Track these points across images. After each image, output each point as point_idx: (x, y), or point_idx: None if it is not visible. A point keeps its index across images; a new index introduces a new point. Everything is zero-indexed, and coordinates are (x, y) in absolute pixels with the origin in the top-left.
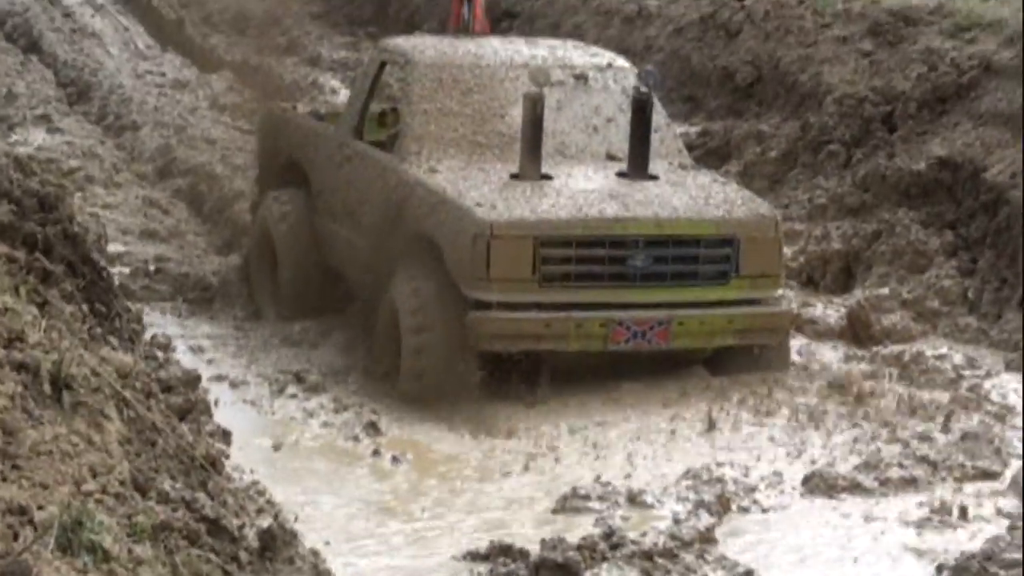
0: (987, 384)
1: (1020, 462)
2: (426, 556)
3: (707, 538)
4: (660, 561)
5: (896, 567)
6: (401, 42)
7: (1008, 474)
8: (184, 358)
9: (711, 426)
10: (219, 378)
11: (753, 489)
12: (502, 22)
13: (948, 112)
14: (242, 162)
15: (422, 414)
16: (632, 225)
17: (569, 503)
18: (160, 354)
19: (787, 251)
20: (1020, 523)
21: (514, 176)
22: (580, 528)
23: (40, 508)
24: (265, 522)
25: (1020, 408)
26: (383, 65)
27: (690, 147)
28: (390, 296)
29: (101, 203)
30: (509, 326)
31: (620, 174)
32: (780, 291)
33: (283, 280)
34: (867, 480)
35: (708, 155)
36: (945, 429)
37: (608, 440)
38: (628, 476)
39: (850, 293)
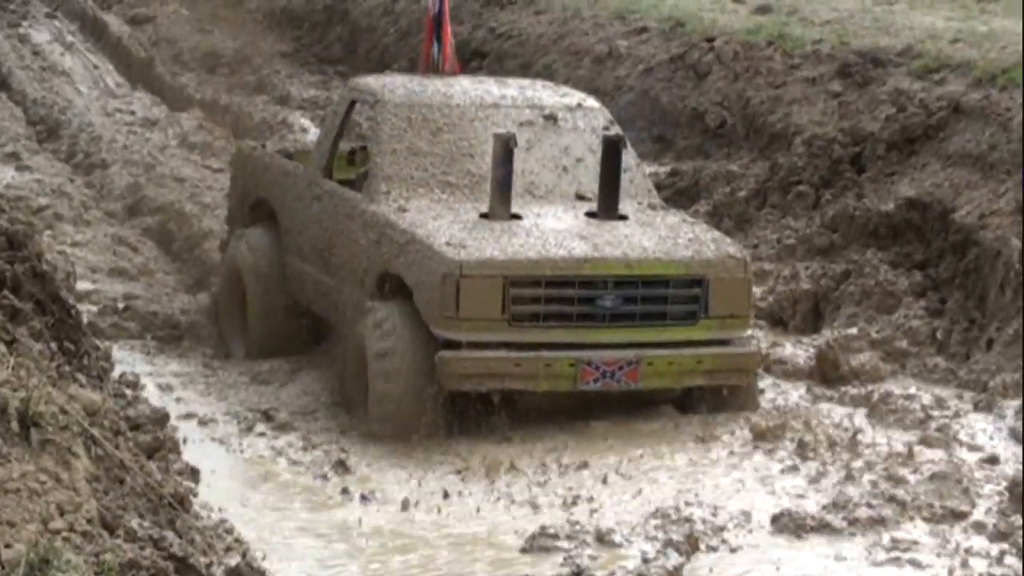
0: (955, 424)
1: (989, 503)
2: None
3: None
4: None
5: None
6: (371, 81)
7: (977, 513)
8: (153, 396)
9: (679, 466)
10: (188, 416)
11: (722, 528)
12: (472, 62)
13: (917, 153)
14: (211, 200)
15: (391, 453)
16: (601, 265)
17: (538, 542)
18: (128, 392)
19: (756, 291)
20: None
21: (484, 216)
22: (549, 567)
23: (7, 546)
24: (233, 560)
25: (988, 447)
26: (353, 104)
27: (659, 187)
28: (359, 335)
29: (70, 241)
30: (478, 366)
31: (590, 214)
32: (749, 331)
33: (252, 318)
34: (836, 520)
35: (677, 195)
36: (913, 469)
37: (577, 479)
38: (596, 515)
39: (819, 333)
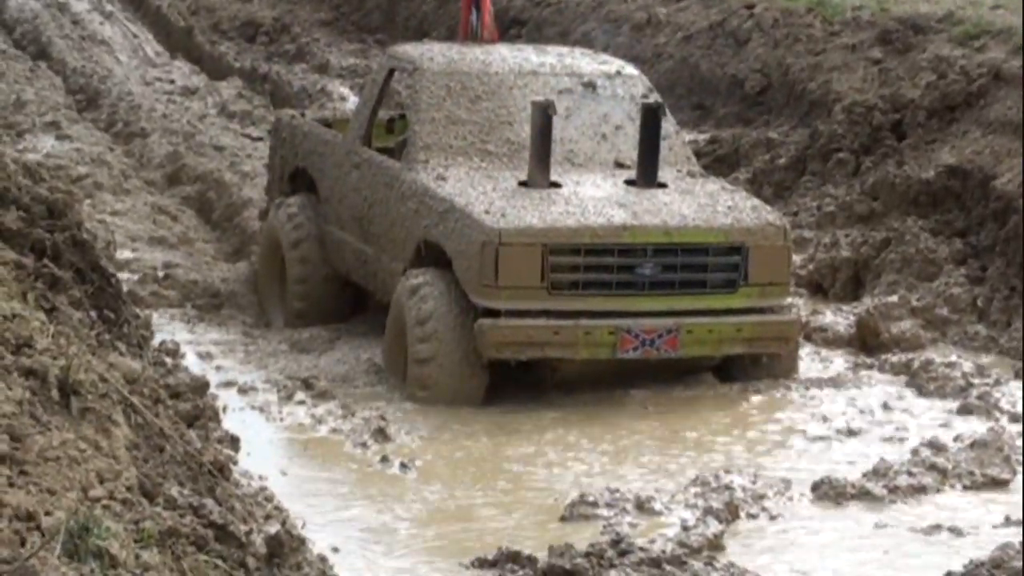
0: (996, 392)
1: None
2: (434, 563)
3: (715, 545)
4: (668, 568)
5: (905, 575)
6: (410, 49)
7: (1018, 481)
8: (192, 364)
9: (719, 433)
10: (227, 384)
11: (762, 496)
12: (511, 29)
13: (957, 120)
14: (251, 169)
15: (430, 421)
16: (641, 233)
17: (577, 510)
18: (168, 360)
19: (796, 259)
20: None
21: (523, 184)
22: (588, 535)
23: (47, 514)
24: (273, 528)
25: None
26: (391, 72)
27: (699, 155)
28: (398, 303)
29: (110, 210)
30: (518, 334)
31: (629, 182)
32: (789, 299)
33: (291, 287)
34: (876, 487)
35: (717, 163)
36: (954, 437)
37: (617, 447)
38: (636, 483)
39: (859, 301)
